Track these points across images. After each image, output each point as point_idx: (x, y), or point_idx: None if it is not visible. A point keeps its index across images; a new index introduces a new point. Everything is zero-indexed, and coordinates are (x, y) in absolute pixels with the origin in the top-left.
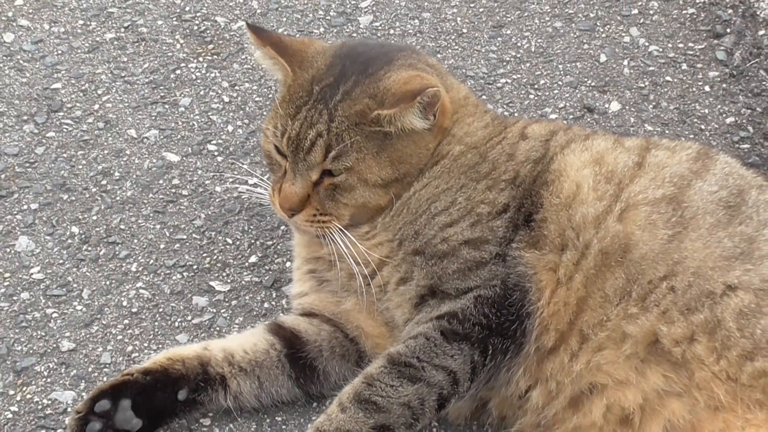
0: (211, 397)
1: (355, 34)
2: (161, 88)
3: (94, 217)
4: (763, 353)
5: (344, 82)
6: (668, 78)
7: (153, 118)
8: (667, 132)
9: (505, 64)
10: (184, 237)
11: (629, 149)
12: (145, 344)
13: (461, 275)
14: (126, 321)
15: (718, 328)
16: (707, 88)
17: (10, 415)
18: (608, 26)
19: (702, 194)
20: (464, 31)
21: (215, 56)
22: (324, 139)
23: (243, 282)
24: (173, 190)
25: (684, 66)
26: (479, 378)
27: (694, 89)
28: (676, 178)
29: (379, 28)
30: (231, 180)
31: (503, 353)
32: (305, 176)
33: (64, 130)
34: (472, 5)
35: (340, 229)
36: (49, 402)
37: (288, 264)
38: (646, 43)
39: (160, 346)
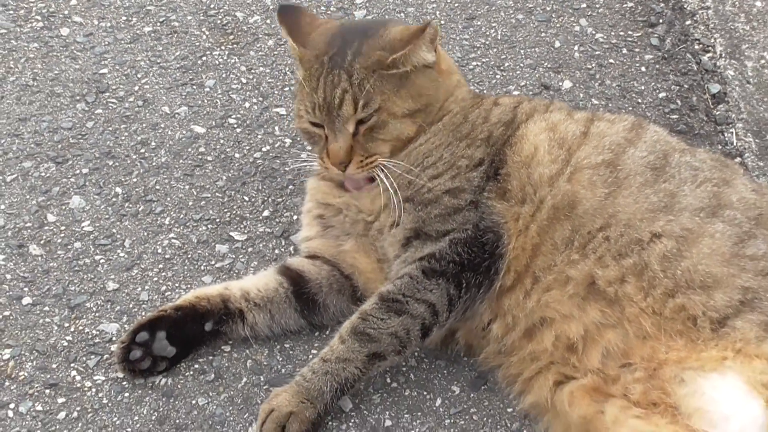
0: (232, 328)
1: None
2: (190, 72)
3: (134, 180)
4: (683, 291)
5: (350, 46)
6: (611, 60)
7: (183, 97)
8: (610, 106)
9: (476, 49)
10: (209, 195)
11: (577, 120)
12: (176, 284)
13: (441, 219)
14: (160, 265)
15: (645, 270)
16: (643, 69)
17: (66, 343)
18: (562, 17)
19: (634, 159)
20: (442, 22)
21: (235, 45)
22: (350, 93)
23: (258, 232)
24: (200, 157)
25: (624, 50)
26: (456, 309)
27: (632, 70)
28: (614, 146)
29: None
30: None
31: (477, 287)
32: (343, 131)
33: (110, 107)
34: (448, 1)
35: (385, 164)
36: (98, 332)
37: (295, 217)
38: (593, 32)
39: (189, 286)
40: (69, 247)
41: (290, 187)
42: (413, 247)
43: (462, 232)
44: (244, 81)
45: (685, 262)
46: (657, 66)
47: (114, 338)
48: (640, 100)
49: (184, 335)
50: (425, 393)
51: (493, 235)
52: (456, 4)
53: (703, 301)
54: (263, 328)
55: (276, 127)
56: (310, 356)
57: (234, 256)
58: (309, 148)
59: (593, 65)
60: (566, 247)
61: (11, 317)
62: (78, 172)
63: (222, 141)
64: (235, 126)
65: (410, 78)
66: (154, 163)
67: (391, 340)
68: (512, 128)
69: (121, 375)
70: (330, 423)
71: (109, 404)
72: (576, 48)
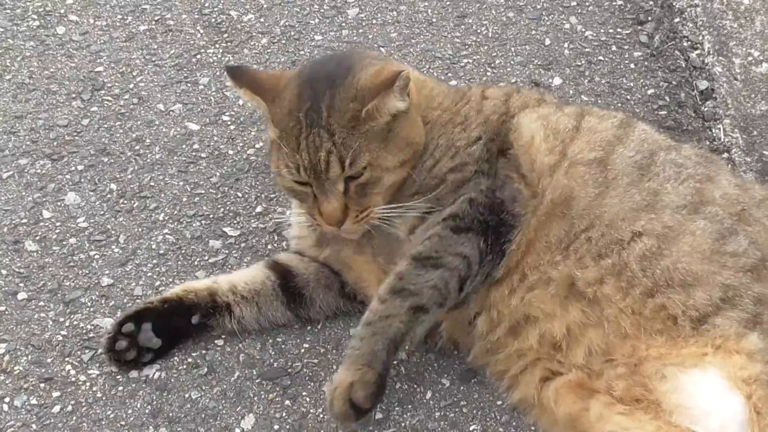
0: (219, 321)
1: (344, 24)
2: (185, 70)
3: (129, 176)
4: (662, 290)
5: (322, 99)
6: (601, 57)
7: (178, 94)
8: (599, 102)
9: (467, 47)
10: (203, 191)
11: (568, 114)
12: (170, 280)
13: (452, 193)
14: (154, 261)
15: (624, 271)
16: (632, 66)
17: (61, 338)
18: (552, 15)
19: (622, 158)
20: (434, 20)
21: (229, 43)
22: (335, 154)
23: (251, 228)
24: (194, 154)
25: (614, 47)
26: (484, 266)
27: (621, 66)
28: (604, 143)
29: (364, 18)
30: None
31: (495, 253)
32: (334, 191)
33: (105, 105)
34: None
35: (380, 214)
36: (92, 327)
37: (288, 213)
38: (583, 29)
39: (183, 281)
40: (64, 242)
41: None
42: (432, 215)
43: (478, 194)
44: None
45: (664, 260)
46: (646, 63)
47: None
48: (629, 97)
49: (170, 327)
50: (415, 386)
51: (512, 203)
52: (447, 2)
53: (682, 300)
54: (250, 322)
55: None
56: (302, 350)
57: (227, 252)
58: (291, 202)
59: (583, 62)
60: (556, 248)
61: (6, 312)
62: (73, 168)
63: (216, 138)
64: (229, 123)
65: (395, 130)
66: (148, 160)
67: (432, 292)
68: (507, 117)
69: (115, 369)
70: (321, 415)
71: (103, 398)
72: (566, 45)
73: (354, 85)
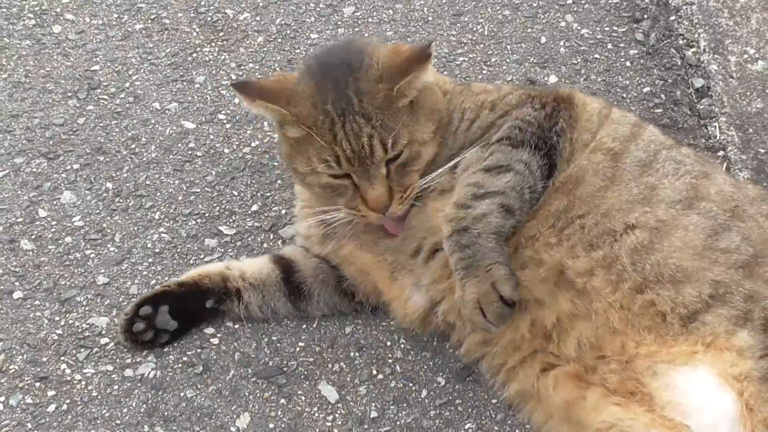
0: (230, 306)
1: (339, 23)
2: (180, 68)
3: (125, 175)
4: (652, 286)
5: (346, 87)
6: (596, 55)
7: (173, 93)
8: None
9: (463, 45)
10: (198, 190)
11: (600, 102)
12: (166, 278)
13: (498, 130)
14: (150, 259)
15: (614, 264)
16: (628, 64)
17: (56, 337)
18: (548, 13)
19: (632, 158)
20: (430, 18)
21: (225, 42)
22: (376, 138)
23: (246, 226)
24: (189, 152)
25: (609, 46)
26: (543, 174)
27: (617, 65)
28: (622, 138)
29: (360, 17)
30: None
31: (549, 160)
32: (377, 176)
33: (101, 103)
34: None
35: (422, 187)
36: (88, 326)
37: (284, 212)
38: (579, 27)
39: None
40: (60, 241)
41: (279, 181)
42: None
43: (523, 122)
44: (234, 77)
45: (655, 255)
46: (641, 61)
47: (103, 332)
48: (624, 95)
49: (186, 310)
50: (411, 384)
51: (557, 135)
52: (443, 0)
53: (672, 296)
54: (255, 309)
55: (265, 123)
56: (298, 348)
57: (223, 250)
58: (319, 204)
59: (579, 60)
60: (551, 225)
61: (2, 311)
62: (69, 167)
63: (212, 136)
64: (225, 122)
65: (420, 102)
66: (144, 159)
67: (513, 193)
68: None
69: (110, 367)
70: (316, 414)
71: (99, 397)
72: (562, 43)
73: (376, 67)
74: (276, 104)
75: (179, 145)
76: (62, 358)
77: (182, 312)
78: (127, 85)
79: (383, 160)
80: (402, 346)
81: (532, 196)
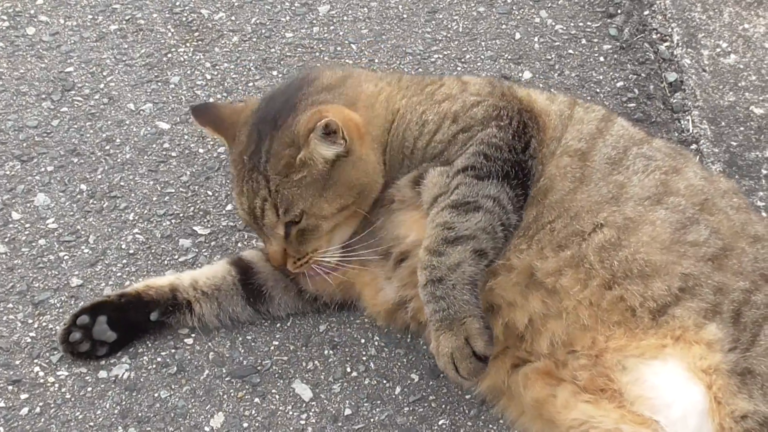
0: (179, 319)
1: (315, 21)
2: (155, 69)
3: (99, 176)
4: (620, 281)
5: (263, 143)
6: (570, 51)
7: (148, 94)
8: (569, 96)
9: (438, 42)
10: (173, 191)
11: (561, 102)
12: (140, 279)
13: (461, 148)
14: (124, 261)
15: (582, 262)
16: (602, 59)
17: (29, 340)
18: (522, 9)
19: (600, 156)
20: (405, 16)
21: (200, 42)
22: (269, 201)
23: (221, 226)
24: (164, 153)
25: (583, 41)
26: (515, 206)
27: (591, 60)
28: (588, 136)
29: (335, 15)
30: None
31: (522, 188)
32: (275, 235)
33: (75, 105)
34: None
35: (319, 260)
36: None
37: None
38: (553, 23)
39: None
40: (33, 244)
41: None
42: (447, 167)
43: (489, 147)
44: (209, 77)
45: (623, 251)
46: (615, 56)
47: None
48: (598, 90)
49: (126, 322)
50: (385, 381)
51: (525, 152)
52: None
53: (640, 291)
54: (211, 318)
55: None
56: (272, 347)
57: (197, 250)
58: None
59: (553, 56)
60: (523, 234)
61: None
62: (43, 170)
63: (186, 137)
64: None
65: (333, 177)
66: (118, 160)
67: (485, 236)
68: (508, 89)
69: (84, 369)
70: (290, 412)
71: (72, 399)
72: (536, 39)
73: (291, 129)
74: (222, 136)
75: (154, 145)
76: (36, 360)
77: (123, 323)
78: (102, 86)
79: (275, 224)
80: (376, 343)
81: (506, 233)
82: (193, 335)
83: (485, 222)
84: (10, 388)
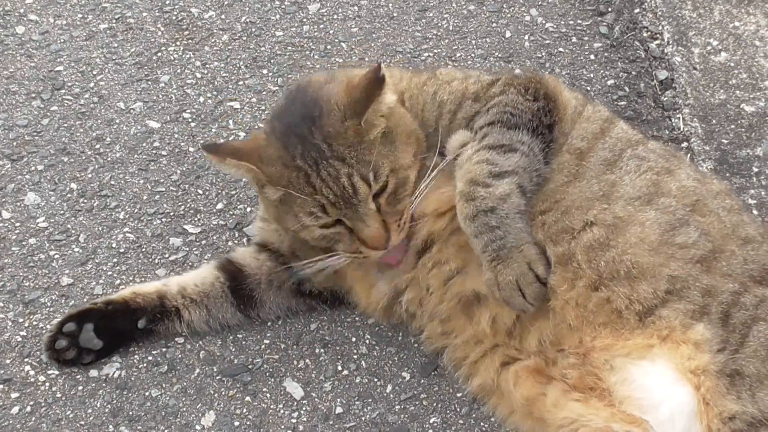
0: (168, 326)
1: (305, 20)
2: (145, 68)
3: (89, 175)
4: (606, 284)
5: (312, 136)
6: (561, 49)
7: (138, 92)
8: None
9: (428, 41)
10: (163, 189)
11: (576, 98)
12: (131, 278)
13: (482, 117)
14: (115, 259)
15: (570, 261)
16: (592, 57)
17: (20, 339)
18: (512, 8)
19: (597, 157)
20: (395, 14)
21: (190, 41)
22: (356, 175)
23: (211, 225)
24: (154, 151)
25: (574, 39)
26: (545, 156)
27: (581, 58)
28: (591, 135)
29: (325, 14)
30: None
31: (545, 149)
32: (368, 212)
33: (65, 104)
34: None
35: (415, 205)
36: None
37: (249, 209)
38: (543, 21)
39: (143, 279)
40: (23, 243)
41: (243, 179)
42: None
43: (513, 107)
44: (199, 76)
45: (610, 252)
46: (606, 54)
47: None
48: (589, 88)
49: (113, 330)
50: (376, 380)
51: (548, 116)
52: None
53: (627, 293)
54: (200, 324)
55: (230, 121)
56: (263, 346)
57: (188, 249)
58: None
59: (543, 54)
60: None
61: None
62: (33, 168)
63: (176, 135)
64: (190, 120)
65: (393, 129)
66: (109, 159)
67: (525, 174)
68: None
69: (75, 368)
70: (281, 411)
71: (63, 398)
72: (526, 37)
73: (335, 108)
74: (246, 161)
75: (144, 144)
76: (26, 359)
77: (109, 331)
78: (92, 85)
79: (369, 196)
80: (367, 341)
81: (538, 180)
82: (184, 334)
83: (524, 163)
84: (0, 387)
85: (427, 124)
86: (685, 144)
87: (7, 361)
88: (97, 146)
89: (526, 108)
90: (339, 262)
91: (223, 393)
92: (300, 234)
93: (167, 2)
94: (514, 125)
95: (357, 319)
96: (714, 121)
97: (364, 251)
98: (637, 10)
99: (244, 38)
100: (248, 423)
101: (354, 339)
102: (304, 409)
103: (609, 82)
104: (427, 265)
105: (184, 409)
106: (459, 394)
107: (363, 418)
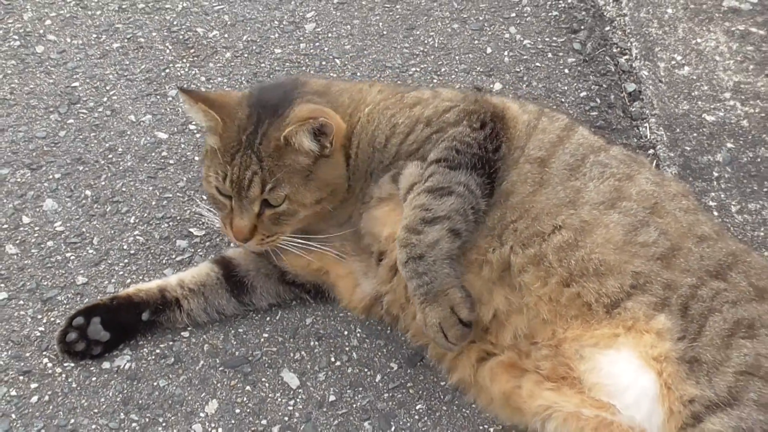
0: (169, 317)
1: (302, 38)
2: (154, 83)
3: (103, 183)
4: (577, 279)
5: (261, 126)
6: (538, 64)
7: (148, 106)
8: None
9: (415, 56)
10: (171, 195)
11: (530, 112)
12: (140, 277)
13: (435, 145)
14: (126, 260)
15: (542, 261)
16: (567, 71)
17: (39, 333)
18: (493, 26)
19: (559, 162)
20: (385, 32)
21: (195, 58)
22: (259, 176)
23: (215, 228)
24: (162, 160)
25: (549, 55)
26: (483, 192)
27: (556, 72)
28: (549, 144)
29: (320, 32)
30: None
31: (489, 179)
32: (249, 210)
33: (81, 117)
34: (390, 13)
35: (286, 240)
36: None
37: None
38: (521, 38)
39: (152, 278)
40: (42, 245)
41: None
42: (422, 162)
43: (461, 143)
44: (204, 90)
45: (579, 252)
46: (579, 68)
47: None
48: (563, 99)
49: (119, 322)
50: (366, 370)
51: (494, 152)
52: (397, 16)
53: (596, 288)
54: (199, 313)
55: None
56: (262, 339)
57: (193, 250)
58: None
59: (521, 68)
60: (490, 232)
61: None
62: (51, 177)
63: (183, 145)
64: (195, 131)
65: (314, 173)
66: (120, 168)
67: (458, 217)
68: (479, 96)
69: (69, 360)
70: (279, 399)
71: (78, 388)
72: (506, 53)
73: (286, 119)
74: (215, 112)
75: (153, 154)
76: (44, 353)
77: (116, 324)
78: (105, 99)
79: (257, 198)
80: (358, 335)
81: (476, 216)
82: (189, 329)
83: (458, 205)
84: (21, 378)
85: (377, 140)
86: (651, 151)
87: (27, 355)
88: (110, 156)
89: (473, 140)
90: (217, 227)
91: (225, 383)
92: (204, 181)
93: (175, 23)
94: (456, 165)
95: (349, 314)
96: (678, 130)
97: (227, 230)
98: (607, 28)
99: (246, 55)
100: (248, 410)
101: (346, 332)
102: (299, 397)
103: (582, 94)
104: (402, 279)
105: (190, 397)
106: (443, 383)
107: (354, 405)
